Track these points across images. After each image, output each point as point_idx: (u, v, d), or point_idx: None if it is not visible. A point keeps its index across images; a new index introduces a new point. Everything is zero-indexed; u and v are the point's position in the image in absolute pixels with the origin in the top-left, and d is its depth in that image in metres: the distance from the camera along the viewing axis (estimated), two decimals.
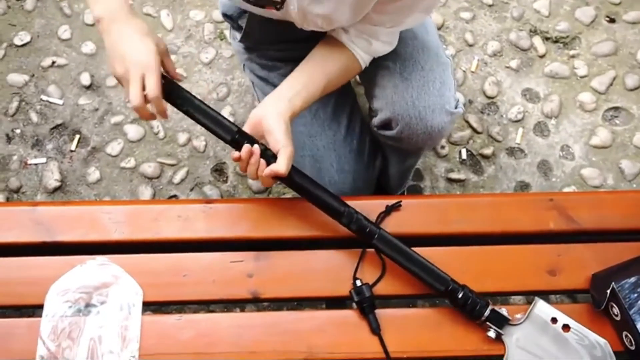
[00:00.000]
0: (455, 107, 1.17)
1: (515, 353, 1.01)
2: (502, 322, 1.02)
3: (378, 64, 1.20)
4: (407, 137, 1.18)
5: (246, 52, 1.33)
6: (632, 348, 1.01)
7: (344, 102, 1.32)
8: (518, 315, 1.04)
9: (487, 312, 1.01)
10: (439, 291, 1.03)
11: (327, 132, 1.28)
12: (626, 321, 1.00)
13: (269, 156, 1.01)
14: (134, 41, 0.99)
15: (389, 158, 1.40)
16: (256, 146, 1.00)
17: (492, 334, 1.02)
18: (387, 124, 1.21)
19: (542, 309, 1.04)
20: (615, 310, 1.02)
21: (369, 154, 1.34)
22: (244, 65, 1.38)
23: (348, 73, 1.13)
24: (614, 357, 1.01)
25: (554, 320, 1.03)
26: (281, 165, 0.99)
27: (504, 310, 1.03)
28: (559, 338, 1.02)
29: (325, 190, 1.06)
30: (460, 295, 1.02)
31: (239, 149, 1.02)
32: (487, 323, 1.02)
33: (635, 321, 0.99)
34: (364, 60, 1.12)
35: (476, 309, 1.02)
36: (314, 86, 1.07)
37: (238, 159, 1.01)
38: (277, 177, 1.02)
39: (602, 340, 1.02)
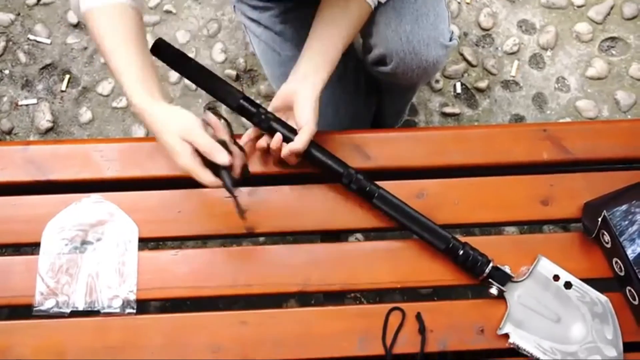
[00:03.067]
0: (450, 40, 1.15)
1: (517, 309, 1.02)
2: (504, 279, 1.02)
3: None
4: (402, 72, 1.16)
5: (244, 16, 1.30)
6: (622, 274, 1.03)
7: None
8: (523, 269, 1.05)
9: (488, 269, 1.01)
10: (439, 249, 1.03)
11: None
12: (616, 248, 1.01)
13: (287, 136, 1.02)
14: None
15: (384, 94, 1.39)
16: (279, 135, 1.01)
17: (494, 290, 1.02)
18: (381, 60, 1.19)
19: (545, 266, 1.04)
20: (606, 237, 1.03)
21: (365, 93, 1.32)
22: (234, 6, 1.34)
23: (361, 20, 1.10)
24: (614, 314, 1.02)
25: (556, 277, 1.04)
26: (298, 144, 0.99)
27: (506, 268, 1.02)
28: (560, 295, 1.03)
29: (324, 150, 1.05)
30: (460, 253, 1.01)
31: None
32: (489, 280, 1.02)
33: (625, 247, 1.00)
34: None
35: (477, 266, 1.01)
36: (335, 52, 1.06)
37: (264, 149, 1.04)
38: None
39: (603, 298, 1.03)
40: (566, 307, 1.03)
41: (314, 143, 1.03)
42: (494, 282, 1.02)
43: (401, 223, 1.04)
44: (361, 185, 1.04)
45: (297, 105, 1.02)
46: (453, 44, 1.16)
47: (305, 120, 1.00)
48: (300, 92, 1.02)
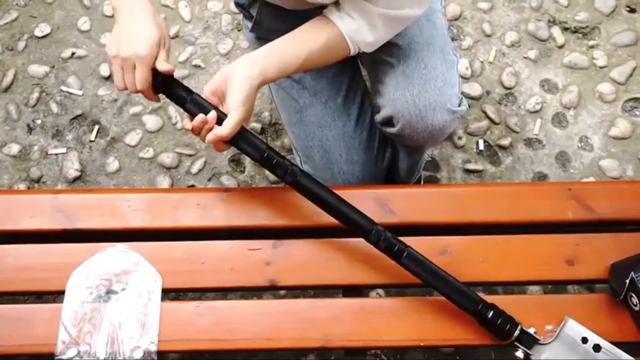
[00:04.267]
0: (459, 105, 1.16)
1: None
2: (530, 342, 1.00)
3: (382, 60, 1.19)
4: (408, 135, 1.18)
5: (257, 42, 1.33)
6: None
7: (354, 94, 1.32)
8: (549, 327, 1.03)
9: (516, 333, 0.99)
10: (468, 311, 1.01)
11: (337, 123, 1.29)
12: None
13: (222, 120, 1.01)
14: (138, 28, 1.00)
15: (398, 151, 1.40)
16: (213, 113, 1.00)
17: (520, 354, 1.00)
18: (389, 121, 1.20)
19: (573, 327, 1.01)
20: (635, 300, 1.01)
21: (379, 145, 1.34)
22: None
23: (331, 52, 1.08)
24: None
25: (584, 340, 1.00)
26: (224, 129, 0.98)
27: (532, 330, 1.00)
28: (588, 358, 1.00)
29: (350, 205, 1.04)
30: (490, 315, 0.99)
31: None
32: (516, 343, 1.00)
33: None
34: (352, 40, 1.07)
35: (506, 329, 0.99)
36: (292, 58, 1.04)
37: (190, 130, 1.02)
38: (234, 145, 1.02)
39: None
40: None
41: (247, 134, 1.02)
42: (520, 346, 1.00)
43: (429, 283, 1.02)
44: (390, 244, 1.02)
45: (230, 88, 1.00)
46: (461, 109, 1.17)
47: (235, 104, 0.98)
48: (237, 75, 1.00)
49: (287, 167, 1.03)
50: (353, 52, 1.10)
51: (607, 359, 1.00)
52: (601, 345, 1.00)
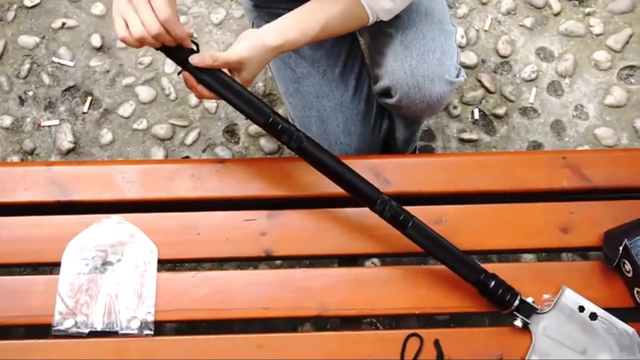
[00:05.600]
0: (457, 76, 1.16)
1: (542, 342, 1.01)
2: (529, 311, 1.01)
3: (380, 31, 1.18)
4: (406, 105, 1.17)
5: (255, 9, 1.32)
6: None
7: (352, 64, 1.31)
8: (546, 297, 1.04)
9: (516, 302, 1.00)
10: (470, 280, 1.01)
11: (334, 93, 1.28)
12: (638, 277, 1.00)
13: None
14: None
15: (395, 121, 1.40)
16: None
17: (518, 323, 1.01)
18: (386, 92, 1.20)
19: (570, 297, 1.03)
20: (627, 266, 1.02)
21: (376, 116, 1.33)
22: (252, 23, 1.36)
23: (350, 19, 1.07)
24: None
25: (581, 308, 1.02)
26: (196, 56, 0.96)
27: (530, 299, 1.02)
28: (586, 326, 1.02)
29: (354, 172, 1.03)
30: (491, 285, 1.00)
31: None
32: (515, 313, 1.01)
33: None
34: (371, 9, 1.07)
35: (506, 299, 1.00)
36: (312, 24, 1.04)
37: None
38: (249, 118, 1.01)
39: (630, 329, 1.01)
40: (592, 339, 1.01)
41: (251, 96, 1.00)
42: (519, 315, 1.01)
43: (433, 253, 1.02)
44: (395, 213, 1.01)
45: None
46: (459, 80, 1.16)
47: (234, 48, 0.98)
48: (254, 35, 1.00)
49: (292, 133, 1.01)
50: (372, 20, 1.09)
51: (604, 326, 1.02)
52: (597, 313, 1.02)
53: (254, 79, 1.04)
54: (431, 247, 1.02)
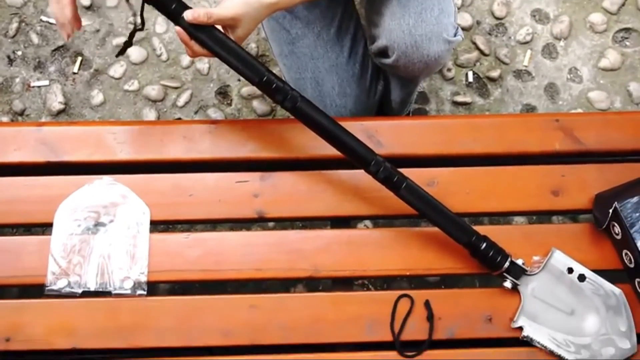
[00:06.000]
0: (455, 35, 1.15)
1: (531, 303, 1.02)
2: (519, 273, 1.02)
3: None
4: (403, 65, 1.16)
5: None
6: (632, 266, 1.03)
7: (347, 25, 1.29)
8: (536, 258, 1.05)
9: (506, 264, 1.01)
10: (461, 242, 1.02)
11: (329, 55, 1.26)
12: (627, 240, 1.01)
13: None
14: None
15: (390, 83, 1.39)
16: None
17: (508, 284, 1.02)
18: (384, 52, 1.18)
19: (559, 259, 1.04)
20: (617, 229, 1.03)
21: (371, 78, 1.32)
22: None
23: None
24: (628, 306, 1.02)
25: (570, 270, 1.04)
26: (189, 12, 0.95)
27: (519, 261, 1.03)
28: (574, 287, 1.03)
29: (350, 134, 1.02)
30: (482, 247, 1.01)
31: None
32: (504, 274, 1.02)
33: (635, 239, 1.00)
34: None
35: (497, 261, 1.01)
36: None
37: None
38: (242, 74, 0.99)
39: (617, 290, 1.03)
40: (580, 300, 1.03)
41: (245, 54, 0.99)
42: (509, 276, 1.02)
43: (426, 214, 1.03)
44: (389, 175, 1.01)
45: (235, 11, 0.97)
46: (457, 39, 1.15)
47: (227, 4, 0.96)
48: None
49: (287, 92, 1.00)
50: None
51: (591, 287, 1.03)
52: (585, 275, 1.03)
53: (248, 37, 1.02)
54: (424, 209, 1.02)
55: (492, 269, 1.02)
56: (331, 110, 1.27)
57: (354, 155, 1.02)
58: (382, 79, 1.37)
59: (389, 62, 1.18)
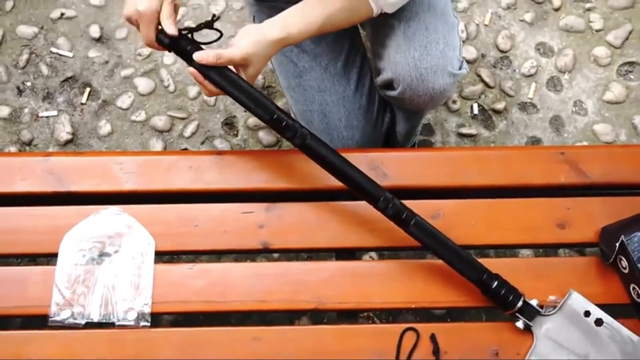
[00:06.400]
0: (460, 68, 1.16)
1: (544, 343, 0.99)
2: (532, 313, 1.00)
3: (383, 22, 1.17)
4: (409, 98, 1.17)
5: (256, 3, 1.31)
6: (639, 300, 1.02)
7: (354, 58, 1.31)
8: (552, 298, 1.02)
9: (519, 304, 0.99)
10: (472, 280, 1.00)
11: (336, 87, 1.28)
12: (634, 274, 1.00)
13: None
14: None
15: (396, 115, 1.40)
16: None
17: (520, 324, 1.00)
18: (389, 84, 1.20)
19: (576, 300, 1.01)
20: (624, 263, 1.02)
21: (378, 110, 1.33)
22: (253, 17, 1.36)
23: (354, 12, 1.08)
24: None
25: (587, 313, 1.00)
26: (200, 53, 0.98)
27: (534, 302, 1.00)
28: (590, 332, 1.00)
29: (356, 169, 1.03)
30: (494, 285, 0.99)
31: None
32: (517, 314, 1.00)
33: None
34: (376, 2, 1.07)
35: (509, 300, 0.99)
36: (315, 17, 1.04)
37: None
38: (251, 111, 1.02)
39: (635, 337, 0.99)
40: (596, 345, 0.99)
41: (257, 93, 1.01)
42: (521, 317, 1.00)
43: (435, 251, 1.02)
44: (398, 211, 1.00)
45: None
46: (462, 72, 1.16)
47: (237, 45, 0.99)
48: (256, 30, 1.01)
49: (297, 130, 1.01)
50: (376, 12, 1.09)
51: (608, 333, 1.01)
52: (603, 319, 1.00)
53: (259, 74, 1.04)
54: (433, 246, 1.01)
55: (504, 308, 1.01)
56: (338, 142, 1.27)
57: (363, 191, 1.02)
58: (389, 111, 1.38)
59: (394, 95, 1.19)
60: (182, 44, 1.02)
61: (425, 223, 1.01)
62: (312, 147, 1.02)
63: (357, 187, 1.02)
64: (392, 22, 1.16)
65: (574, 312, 1.01)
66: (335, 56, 1.28)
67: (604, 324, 1.00)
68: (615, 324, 1.00)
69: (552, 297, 1.03)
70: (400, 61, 1.14)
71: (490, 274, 1.00)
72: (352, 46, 1.30)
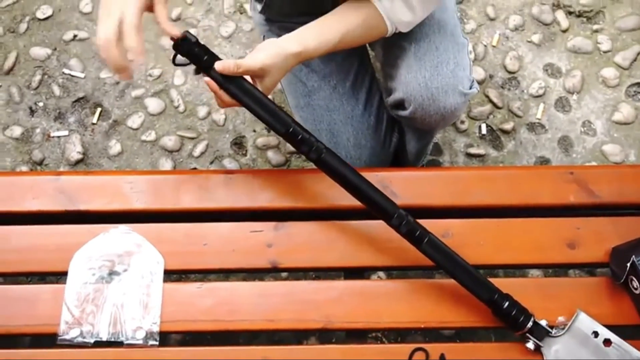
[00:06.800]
0: (470, 88, 1.17)
1: None
2: (542, 334, 1.00)
3: (394, 43, 1.19)
4: (420, 117, 1.18)
5: (267, 24, 1.33)
6: None
7: (363, 78, 1.32)
8: (561, 319, 1.02)
9: (529, 324, 0.99)
10: (483, 300, 1.00)
11: (345, 107, 1.28)
12: None
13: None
14: None
15: (406, 135, 1.40)
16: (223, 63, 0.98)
17: (530, 345, 1.00)
18: (400, 104, 1.20)
19: (584, 321, 1.01)
20: (635, 283, 1.02)
21: (386, 130, 1.34)
22: (263, 36, 1.38)
23: (370, 30, 1.09)
24: None
25: (596, 334, 1.00)
26: (220, 63, 0.97)
27: (544, 322, 1.00)
28: (599, 352, 1.00)
29: (373, 186, 1.03)
30: (505, 306, 0.99)
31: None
32: (527, 335, 1.00)
33: None
34: (391, 20, 1.08)
35: (519, 321, 0.99)
36: (332, 33, 1.05)
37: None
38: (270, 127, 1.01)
39: None
40: None
41: (273, 106, 1.01)
42: (532, 337, 1.00)
43: (447, 270, 1.01)
44: (411, 229, 1.00)
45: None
46: (472, 92, 1.17)
47: (256, 55, 0.98)
48: (273, 44, 1.01)
49: (312, 144, 1.01)
50: (391, 31, 1.10)
51: (616, 353, 1.00)
52: (612, 340, 1.00)
53: (275, 87, 1.05)
54: (446, 264, 1.01)
55: (515, 329, 1.00)
56: (347, 161, 1.28)
57: (377, 207, 1.02)
58: (397, 131, 1.39)
59: (405, 114, 1.20)
60: (199, 52, 1.00)
61: (438, 241, 1.01)
62: (328, 161, 1.02)
63: (371, 203, 1.02)
64: (403, 43, 1.17)
65: (582, 333, 1.01)
66: (344, 76, 1.29)
67: (613, 344, 1.00)
68: (623, 344, 1.00)
69: (561, 319, 1.02)
70: (411, 81, 1.15)
71: (502, 294, 1.00)
72: (361, 66, 1.31)
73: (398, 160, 1.50)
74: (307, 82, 1.29)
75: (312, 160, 1.02)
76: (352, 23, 1.06)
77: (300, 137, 1.01)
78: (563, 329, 1.01)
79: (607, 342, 1.00)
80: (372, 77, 1.34)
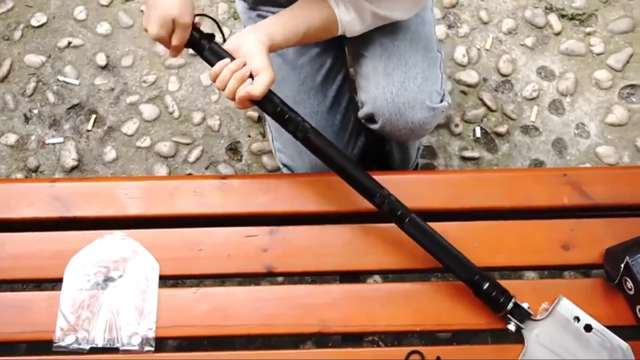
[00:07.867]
0: (441, 101, 1.17)
1: (535, 348, 1.01)
2: (523, 316, 1.01)
3: (365, 55, 1.20)
4: (389, 131, 1.18)
5: (248, 11, 1.33)
6: None
7: (335, 76, 1.31)
8: (544, 305, 1.04)
9: (510, 305, 1.00)
10: (465, 280, 1.02)
11: (311, 101, 1.28)
12: None
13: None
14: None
15: (390, 142, 1.40)
16: (247, 65, 1.00)
17: (512, 327, 1.01)
18: (371, 118, 1.21)
19: (566, 307, 1.03)
20: (629, 284, 1.02)
21: (351, 132, 1.33)
22: (244, 25, 1.37)
23: (326, 31, 1.11)
24: None
25: (577, 319, 1.02)
26: (256, 87, 0.98)
27: (525, 305, 1.02)
28: (580, 338, 1.01)
29: (358, 167, 1.05)
30: (485, 287, 1.00)
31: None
32: (509, 316, 1.01)
33: None
34: (342, 25, 1.11)
35: (500, 302, 1.00)
36: (295, 28, 1.06)
37: (216, 75, 1.01)
38: (254, 102, 1.02)
39: (624, 344, 1.01)
40: (585, 351, 1.01)
41: (276, 97, 1.03)
42: (513, 319, 1.01)
43: (429, 249, 1.03)
44: (393, 208, 1.03)
45: (247, 54, 1.01)
46: (442, 105, 1.17)
47: (262, 65, 0.99)
48: (249, 40, 1.02)
49: (299, 123, 1.04)
50: (340, 33, 1.13)
51: (597, 339, 1.01)
52: (592, 325, 1.02)
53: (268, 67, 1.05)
54: (428, 244, 1.03)
55: (496, 309, 1.02)
56: (306, 158, 1.27)
57: (361, 186, 1.04)
58: (364, 135, 1.38)
59: (376, 128, 1.20)
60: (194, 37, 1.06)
61: (420, 221, 1.03)
62: (313, 141, 1.04)
63: (356, 181, 1.04)
64: (374, 56, 1.18)
65: (564, 318, 1.03)
66: (315, 70, 1.28)
67: (594, 330, 1.02)
68: (605, 330, 1.02)
69: (544, 305, 1.03)
70: (378, 96, 1.16)
71: (483, 274, 1.01)
72: (335, 64, 1.31)
73: (388, 165, 1.50)
74: (277, 72, 1.28)
75: (299, 139, 1.04)
76: (314, 21, 1.08)
77: (287, 116, 1.03)
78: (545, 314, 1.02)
79: (587, 327, 1.02)
80: (345, 78, 1.34)
